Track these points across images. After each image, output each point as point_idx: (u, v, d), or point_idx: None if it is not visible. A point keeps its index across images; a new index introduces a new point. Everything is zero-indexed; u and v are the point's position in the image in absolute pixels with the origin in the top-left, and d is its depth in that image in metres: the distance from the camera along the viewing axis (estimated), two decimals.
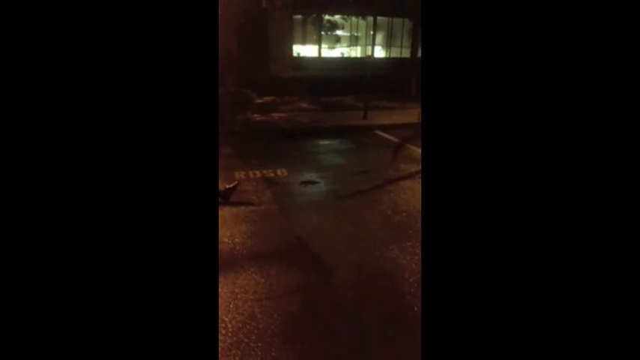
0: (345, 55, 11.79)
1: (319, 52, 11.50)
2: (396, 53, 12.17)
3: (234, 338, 1.75)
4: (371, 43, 11.83)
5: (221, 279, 2.20)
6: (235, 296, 2.04)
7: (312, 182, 3.96)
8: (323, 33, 11.17)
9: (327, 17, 10.90)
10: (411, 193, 3.66)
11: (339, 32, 11.35)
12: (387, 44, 12.14)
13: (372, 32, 11.69)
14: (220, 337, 1.75)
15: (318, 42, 11.40)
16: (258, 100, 7.94)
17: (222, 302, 1.99)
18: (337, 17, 11.07)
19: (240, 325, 1.83)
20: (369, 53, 11.17)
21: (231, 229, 2.86)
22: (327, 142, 5.76)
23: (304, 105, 8.95)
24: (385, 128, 6.66)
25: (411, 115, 7.22)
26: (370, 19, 11.32)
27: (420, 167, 4.36)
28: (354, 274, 2.29)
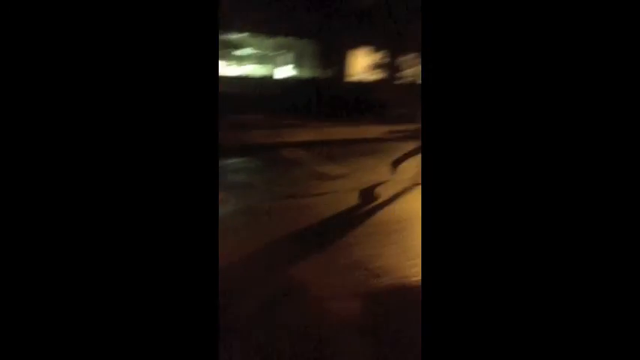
0: (250, 74, 11.59)
1: (225, 70, 11.07)
2: (303, 73, 12.41)
3: None
4: (277, 62, 11.87)
5: None
6: None
7: (220, 201, 3.51)
8: (228, 50, 10.82)
9: (231, 35, 10.60)
10: (321, 209, 3.55)
11: (245, 50, 11.12)
12: (295, 64, 12.32)
13: (279, 51, 11.75)
14: None
15: (223, 60, 10.98)
16: None
17: None
18: (243, 35, 10.84)
19: None
20: (276, 72, 11.18)
21: None
22: (234, 160, 5.48)
23: None
24: (296, 146, 6.62)
25: (318, 133, 7.35)
26: (277, 38, 11.37)
27: (326, 184, 4.36)
28: (264, 292, 1.96)
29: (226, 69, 10.90)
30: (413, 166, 4.44)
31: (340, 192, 4.06)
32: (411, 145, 4.54)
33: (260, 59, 11.45)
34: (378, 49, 12.17)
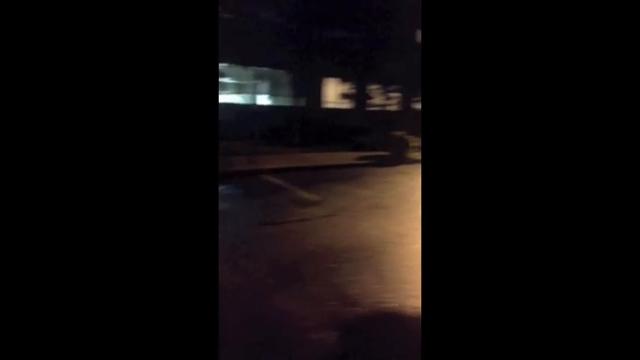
0: (229, 102, 11.98)
1: None
2: (279, 102, 12.96)
3: None
4: (255, 91, 12.36)
5: None
6: None
7: None
8: None
9: None
10: (301, 235, 3.77)
11: (223, 79, 11.56)
12: (271, 93, 12.85)
13: (256, 81, 12.26)
14: None
15: None
16: None
17: None
18: (222, 65, 11.31)
19: None
20: (254, 100, 11.63)
21: None
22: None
23: None
24: (272, 172, 6.85)
25: (295, 159, 7.66)
26: (253, 68, 11.92)
27: (307, 210, 4.56)
28: (242, 319, 2.24)
29: None
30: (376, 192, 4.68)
31: (315, 218, 4.13)
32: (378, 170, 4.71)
33: (239, 88, 11.88)
34: (347, 79, 12.93)
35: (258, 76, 12.15)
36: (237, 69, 11.65)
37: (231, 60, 11.12)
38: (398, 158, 9.19)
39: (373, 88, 13.70)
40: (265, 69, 12.07)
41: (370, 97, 13.67)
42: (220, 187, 5.61)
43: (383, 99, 13.91)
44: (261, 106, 11.89)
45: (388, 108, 14.20)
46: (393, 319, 2.24)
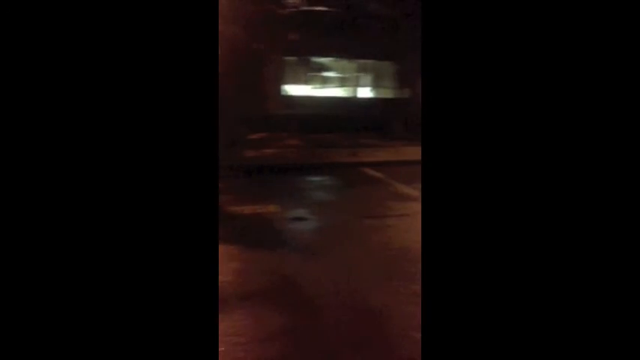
0: (334, 95, 12.26)
1: (309, 92, 11.92)
2: (381, 94, 12.71)
3: None
4: (358, 83, 12.38)
5: None
6: (224, 339, 2.02)
7: (302, 219, 3.97)
8: (313, 73, 11.65)
9: (316, 59, 11.43)
10: (400, 231, 3.68)
11: (328, 73, 11.88)
12: (374, 85, 12.70)
13: (359, 74, 12.27)
14: None
15: (308, 82, 11.85)
16: (251, 137, 8.10)
17: None
18: (327, 59, 11.63)
19: None
20: (356, 93, 11.67)
21: (221, 266, 2.85)
22: (316, 178, 5.85)
23: (294, 142, 9.13)
24: (372, 165, 6.81)
25: (396, 153, 7.47)
26: (358, 61, 11.93)
27: (407, 205, 4.44)
28: (345, 316, 2.29)
29: (313, 90, 11.75)
30: None
31: (415, 214, 3.94)
32: None
33: (342, 81, 12.10)
34: None
35: (362, 69, 12.12)
36: (342, 62, 11.82)
37: (337, 54, 11.33)
38: None
39: None
40: (369, 61, 11.95)
41: None
42: (321, 179, 5.85)
43: None
44: (363, 99, 11.84)
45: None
46: None
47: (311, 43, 10.62)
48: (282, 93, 11.32)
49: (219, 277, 2.63)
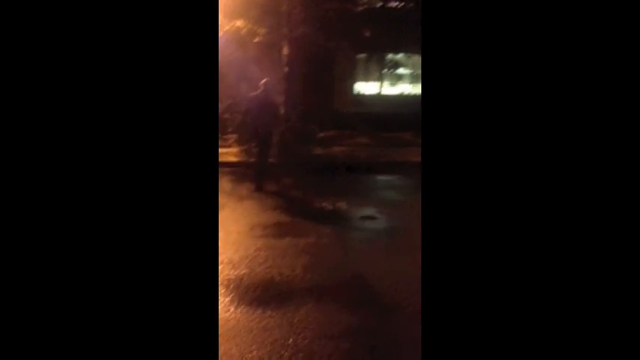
0: (406, 93, 11.86)
1: (380, 90, 11.71)
2: None
3: None
4: None
5: (279, 311, 2.21)
6: (294, 331, 2.03)
7: (372, 217, 3.91)
8: (385, 71, 11.41)
9: (389, 56, 11.15)
10: None
11: (401, 70, 11.52)
12: None
13: None
14: None
15: (380, 80, 11.64)
16: (321, 134, 8.21)
17: (280, 336, 1.99)
18: (400, 55, 11.28)
19: None
20: None
21: (291, 260, 2.90)
22: (386, 177, 5.75)
23: (364, 140, 9.04)
24: None
25: None
26: None
27: None
28: (416, 316, 2.16)
29: (384, 88, 11.53)
30: None
31: None
32: None
33: (415, 78, 11.65)
34: None
35: None
36: (415, 58, 11.37)
37: (410, 50, 10.92)
38: None
39: None
40: None
41: None
42: (391, 177, 5.74)
43: None
44: None
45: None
46: None
47: (383, 40, 10.42)
48: (354, 92, 11.29)
49: (287, 270, 2.73)
